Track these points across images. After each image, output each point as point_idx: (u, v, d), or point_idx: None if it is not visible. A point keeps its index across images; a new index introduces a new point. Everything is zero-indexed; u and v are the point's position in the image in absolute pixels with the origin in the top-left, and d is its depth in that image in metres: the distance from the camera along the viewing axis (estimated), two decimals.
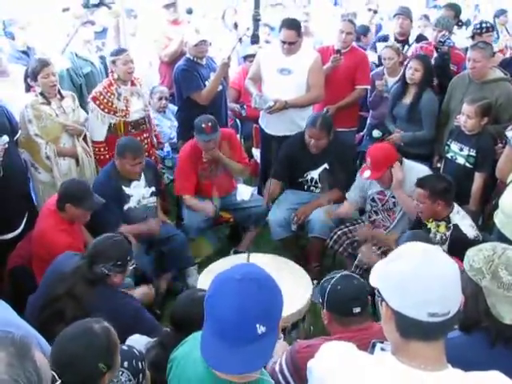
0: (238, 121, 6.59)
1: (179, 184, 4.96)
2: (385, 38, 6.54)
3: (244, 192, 5.13)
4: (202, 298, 2.40)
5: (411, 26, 6.33)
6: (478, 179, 4.46)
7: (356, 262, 4.33)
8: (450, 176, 4.16)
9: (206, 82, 5.30)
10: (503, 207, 3.63)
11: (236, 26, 7.84)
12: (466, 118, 4.45)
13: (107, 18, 6.20)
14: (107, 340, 2.24)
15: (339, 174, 4.75)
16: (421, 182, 3.86)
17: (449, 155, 4.68)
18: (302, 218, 4.78)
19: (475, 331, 2.06)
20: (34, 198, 4.72)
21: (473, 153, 4.47)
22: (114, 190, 4.36)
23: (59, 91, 4.61)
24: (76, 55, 5.66)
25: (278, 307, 1.63)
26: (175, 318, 2.76)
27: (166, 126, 6.14)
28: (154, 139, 5.33)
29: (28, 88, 4.67)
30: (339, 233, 4.56)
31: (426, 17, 7.12)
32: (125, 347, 2.47)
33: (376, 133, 5.65)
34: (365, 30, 7.27)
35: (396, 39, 6.19)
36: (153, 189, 4.61)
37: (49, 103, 4.53)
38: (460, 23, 6.68)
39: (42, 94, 4.50)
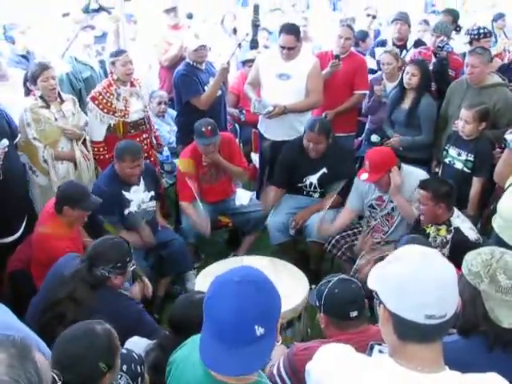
0: (236, 125, 6.60)
1: (180, 191, 4.98)
2: (383, 43, 6.56)
3: (243, 196, 5.14)
4: (200, 300, 2.41)
5: (409, 31, 6.35)
6: (476, 184, 4.47)
7: (354, 266, 4.34)
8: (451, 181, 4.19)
9: (206, 87, 5.31)
10: (501, 212, 3.64)
11: (235, 31, 7.85)
12: (463, 123, 4.47)
13: (107, 23, 6.22)
14: (108, 341, 2.25)
15: (338, 177, 4.77)
16: (424, 184, 3.88)
17: (447, 160, 4.69)
18: (300, 222, 4.79)
19: (473, 335, 2.07)
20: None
21: (471, 158, 4.49)
22: (114, 194, 4.36)
23: (59, 95, 4.63)
24: (76, 59, 5.67)
25: (277, 309, 1.64)
26: (173, 320, 2.76)
27: (165, 130, 6.15)
28: (154, 141, 5.34)
29: (27, 92, 4.68)
30: (337, 237, 4.57)
31: (426, 22, 7.14)
32: (124, 351, 2.47)
33: (374, 138, 5.66)
34: (363, 36, 7.28)
35: (394, 44, 6.21)
36: (152, 193, 4.62)
37: (48, 107, 4.54)
38: (458, 28, 6.70)
39: (41, 97, 4.51)
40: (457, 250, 3.47)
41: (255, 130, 5.85)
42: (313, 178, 4.89)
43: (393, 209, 4.41)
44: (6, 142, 3.97)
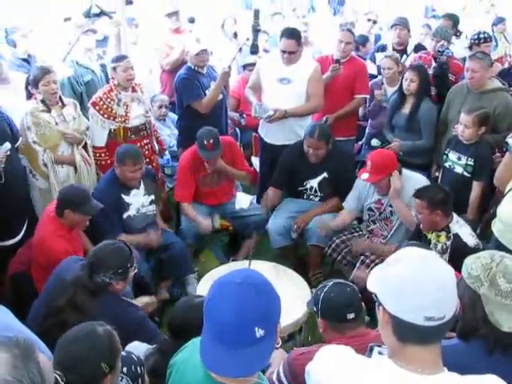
0: (237, 129, 6.61)
1: (178, 191, 4.99)
2: (383, 48, 6.58)
3: (243, 200, 5.14)
4: (200, 304, 2.42)
5: (409, 36, 6.36)
6: (476, 188, 4.48)
7: (354, 271, 4.35)
8: (448, 185, 4.20)
9: (207, 91, 5.32)
10: (501, 216, 3.64)
11: (236, 35, 7.87)
12: (463, 127, 4.48)
13: (108, 27, 6.24)
14: (110, 342, 2.26)
15: (339, 182, 4.78)
16: (418, 193, 3.87)
17: (447, 164, 4.70)
18: (301, 225, 4.80)
19: (473, 339, 2.07)
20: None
21: (471, 162, 4.50)
22: (114, 198, 4.37)
23: (60, 99, 4.63)
24: (77, 63, 5.68)
25: (277, 312, 1.65)
26: (173, 324, 2.77)
27: (166, 134, 6.17)
28: (156, 146, 5.34)
29: (29, 95, 4.69)
30: (338, 241, 4.58)
31: (428, 26, 7.17)
32: (123, 353, 2.47)
33: (375, 142, 5.68)
34: (364, 40, 7.30)
35: (394, 49, 6.22)
36: (152, 197, 4.63)
37: (49, 111, 4.54)
38: (458, 33, 6.72)
39: (42, 101, 4.52)
40: (456, 256, 3.47)
41: (256, 134, 5.87)
42: (313, 182, 4.90)
43: (392, 213, 4.42)
44: (8, 145, 3.98)
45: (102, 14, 5.91)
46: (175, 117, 6.10)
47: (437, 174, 4.99)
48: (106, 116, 4.80)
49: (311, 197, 4.97)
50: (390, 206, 4.39)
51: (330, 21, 9.51)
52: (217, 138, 4.67)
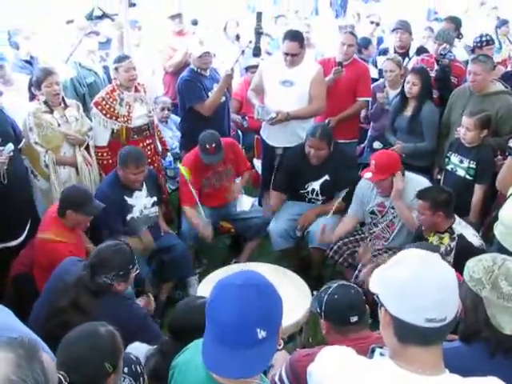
0: (239, 131, 6.62)
1: (181, 195, 4.99)
2: (385, 52, 6.59)
3: (245, 202, 5.15)
4: (201, 306, 2.43)
5: (411, 39, 6.36)
6: (478, 191, 4.48)
7: (356, 272, 4.35)
8: (450, 188, 4.19)
9: (210, 93, 5.33)
10: (503, 219, 3.65)
11: (238, 37, 7.88)
12: (465, 130, 4.48)
13: (111, 30, 6.26)
14: (112, 342, 2.27)
15: (340, 185, 4.78)
16: (421, 194, 3.88)
17: (449, 167, 4.70)
18: (305, 224, 4.80)
19: (475, 341, 2.07)
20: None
21: (473, 165, 4.50)
22: (117, 200, 4.38)
23: (63, 100, 4.64)
24: (80, 65, 5.70)
25: (278, 313, 1.65)
26: (174, 326, 2.76)
27: (168, 136, 6.17)
28: (159, 146, 5.35)
29: (32, 97, 4.70)
30: (339, 243, 4.57)
31: (430, 28, 7.18)
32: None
33: (377, 144, 5.68)
34: (366, 43, 7.30)
35: (396, 52, 6.22)
36: (154, 199, 4.63)
37: (51, 112, 4.55)
38: (460, 36, 6.72)
39: (45, 102, 4.53)
40: (462, 256, 3.46)
41: (258, 136, 5.87)
42: (315, 185, 4.90)
43: (394, 215, 4.42)
44: (11, 146, 3.99)
45: (104, 16, 5.92)
46: (177, 119, 6.11)
47: (439, 176, 4.99)
48: (108, 116, 4.81)
49: (313, 200, 4.97)
50: (392, 208, 4.39)
51: (333, 23, 9.50)
52: (219, 142, 4.68)
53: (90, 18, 5.86)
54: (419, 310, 1.50)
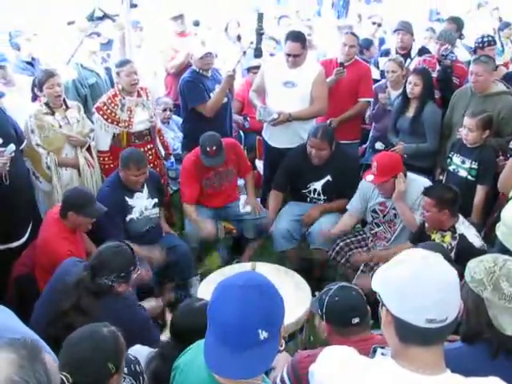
0: (241, 132, 6.62)
1: (182, 193, 5.00)
2: (386, 53, 6.58)
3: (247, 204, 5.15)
4: (201, 307, 2.43)
5: (412, 40, 6.36)
6: (480, 192, 4.48)
7: (358, 273, 4.35)
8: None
9: (211, 94, 5.33)
10: (505, 220, 3.64)
11: (239, 38, 7.88)
12: (467, 131, 4.48)
13: (112, 30, 6.26)
14: (115, 342, 2.28)
15: (343, 185, 4.77)
16: (428, 191, 3.89)
17: (451, 168, 4.70)
18: (309, 222, 4.80)
19: (477, 342, 2.07)
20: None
21: (475, 165, 4.50)
22: (118, 200, 4.39)
23: (65, 101, 4.65)
24: (81, 66, 5.70)
25: (280, 314, 1.65)
26: (174, 328, 2.76)
27: (170, 137, 6.17)
28: (162, 150, 5.35)
29: (34, 97, 4.71)
30: (341, 244, 4.57)
31: (432, 29, 7.17)
32: None
33: (379, 145, 5.68)
34: (368, 44, 7.30)
35: (397, 53, 6.21)
36: (155, 200, 4.63)
37: (53, 113, 4.56)
38: (462, 37, 6.71)
39: (47, 104, 4.54)
40: (462, 256, 3.47)
41: (259, 137, 5.87)
42: (317, 185, 4.90)
43: (395, 216, 4.42)
44: (13, 146, 3.99)
45: (105, 17, 5.92)
46: (179, 120, 6.11)
47: (441, 177, 4.99)
48: (109, 121, 4.81)
49: (314, 200, 4.96)
50: (394, 208, 4.39)
51: (334, 24, 9.49)
52: (219, 145, 4.68)
53: (90, 18, 5.86)
54: (419, 311, 1.50)
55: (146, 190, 4.55)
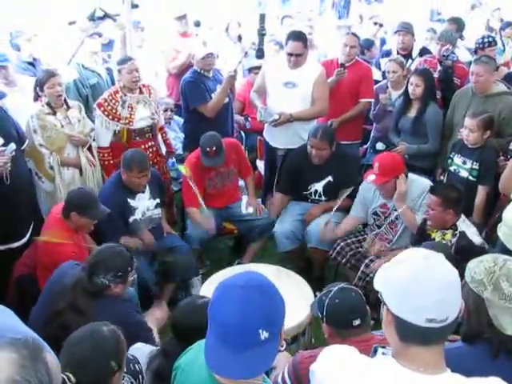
0: (242, 133, 6.62)
1: (184, 196, 4.99)
2: (387, 54, 6.58)
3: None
4: (202, 305, 2.43)
5: (413, 40, 6.36)
6: (481, 192, 4.48)
7: (359, 274, 4.35)
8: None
9: (213, 94, 5.33)
10: (507, 220, 3.64)
11: (240, 38, 7.88)
12: (468, 131, 4.49)
13: (114, 31, 6.26)
14: (116, 341, 2.29)
15: (344, 185, 4.77)
16: (434, 189, 3.91)
17: (452, 168, 4.70)
18: (311, 219, 4.82)
19: (477, 342, 2.07)
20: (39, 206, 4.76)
21: (476, 166, 4.50)
22: (120, 202, 4.39)
23: (65, 101, 4.65)
24: (83, 66, 5.71)
25: (280, 314, 1.65)
26: (176, 326, 2.76)
27: (171, 137, 6.16)
28: (163, 148, 5.35)
29: (36, 97, 4.72)
30: (342, 244, 4.57)
31: (433, 30, 7.17)
32: None
33: (380, 145, 5.67)
34: (369, 44, 7.30)
35: (399, 54, 6.21)
36: (157, 200, 4.63)
37: (54, 113, 4.56)
38: (463, 37, 6.71)
39: (48, 104, 4.54)
40: (461, 253, 3.48)
41: (260, 138, 5.87)
42: (318, 186, 4.90)
43: (397, 217, 4.42)
44: (13, 145, 4.00)
45: (105, 16, 5.92)
46: (181, 120, 6.11)
47: (442, 177, 4.98)
48: (110, 117, 4.82)
49: (315, 201, 4.96)
50: (395, 210, 4.38)
51: (335, 24, 9.49)
52: (219, 145, 4.68)
53: (91, 18, 5.85)
54: (420, 310, 1.50)
55: (147, 190, 4.55)
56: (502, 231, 3.70)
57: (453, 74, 5.56)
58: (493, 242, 3.91)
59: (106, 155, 4.90)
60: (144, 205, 4.54)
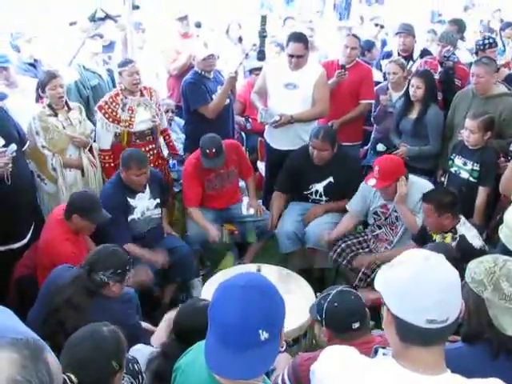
0: (243, 134, 6.62)
1: (184, 196, 5.00)
2: (388, 55, 6.59)
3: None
4: (204, 307, 2.43)
5: (414, 42, 6.36)
6: (482, 193, 4.48)
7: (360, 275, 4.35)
8: (453, 190, 4.18)
9: (213, 96, 5.33)
10: (508, 222, 3.64)
11: (241, 39, 7.89)
12: (468, 132, 4.48)
13: (115, 32, 6.26)
14: (116, 341, 2.30)
15: (344, 187, 4.77)
16: (426, 197, 3.88)
17: (453, 169, 4.70)
18: (311, 219, 4.83)
19: (478, 343, 2.07)
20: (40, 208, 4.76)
21: (476, 167, 4.50)
22: (120, 201, 4.39)
23: (66, 103, 4.66)
24: (84, 67, 5.71)
25: (281, 315, 1.65)
26: (177, 327, 2.77)
27: (172, 138, 6.17)
28: (165, 151, 5.36)
29: (38, 98, 4.72)
30: (343, 246, 4.57)
31: (434, 31, 7.18)
32: None
33: (380, 147, 5.67)
34: (369, 45, 7.30)
35: (399, 55, 6.21)
36: (157, 200, 4.63)
37: (56, 115, 4.57)
38: (464, 39, 6.72)
39: (49, 105, 4.55)
40: (462, 257, 3.47)
41: (261, 139, 5.87)
42: (319, 186, 4.90)
43: (397, 218, 4.42)
44: (14, 146, 3.99)
45: (106, 17, 5.92)
46: (181, 121, 6.11)
47: (442, 178, 4.98)
48: (110, 120, 4.81)
49: (316, 201, 4.97)
50: (396, 211, 4.38)
51: (336, 25, 9.51)
52: (219, 147, 4.68)
53: (92, 19, 5.86)
54: (420, 311, 1.50)
55: (148, 190, 4.55)
56: (503, 233, 3.70)
57: (454, 75, 5.56)
58: (494, 244, 3.91)
59: (106, 158, 4.90)
60: (144, 204, 4.54)
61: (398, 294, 1.54)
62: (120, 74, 4.89)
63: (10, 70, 4.94)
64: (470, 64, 5.31)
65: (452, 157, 4.72)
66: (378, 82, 6.06)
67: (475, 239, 3.74)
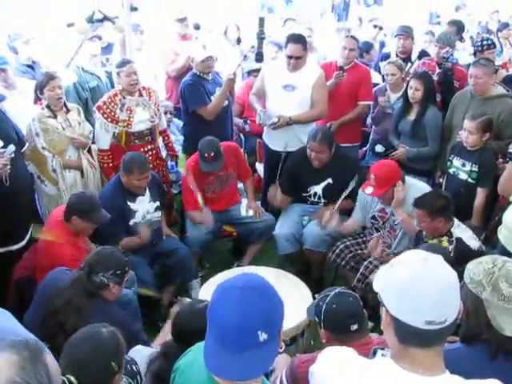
0: (241, 135, 6.62)
1: (184, 200, 5.00)
2: (387, 57, 6.59)
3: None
4: (203, 309, 2.43)
5: (413, 43, 6.37)
6: (481, 195, 4.48)
7: (358, 276, 4.35)
8: (452, 191, 4.18)
9: (212, 97, 5.33)
10: (507, 223, 3.63)
11: (239, 41, 7.89)
12: (467, 133, 4.49)
13: (113, 33, 6.27)
14: (115, 342, 2.31)
15: (344, 188, 4.76)
16: (417, 203, 3.89)
17: (451, 170, 4.70)
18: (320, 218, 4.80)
19: (476, 343, 2.07)
20: (39, 209, 4.75)
21: (475, 168, 4.50)
22: (120, 205, 4.39)
23: (65, 104, 4.66)
24: (82, 69, 5.71)
25: (279, 315, 1.65)
26: (177, 329, 2.77)
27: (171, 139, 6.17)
28: (164, 151, 5.35)
29: (36, 100, 4.72)
30: (341, 246, 4.57)
31: (432, 33, 7.19)
32: None
33: (379, 148, 5.67)
34: (368, 47, 7.31)
35: (398, 57, 6.21)
36: (157, 203, 4.64)
37: (55, 116, 4.57)
38: (462, 40, 6.72)
39: (48, 106, 4.55)
40: (460, 259, 3.47)
41: (260, 140, 5.87)
42: (317, 188, 4.90)
43: (395, 222, 4.41)
44: (12, 147, 3.99)
45: (104, 19, 5.92)
46: (180, 123, 6.11)
47: (441, 180, 4.98)
48: (109, 120, 4.82)
49: (315, 203, 4.96)
50: (393, 215, 4.38)
51: (335, 27, 9.52)
52: (217, 150, 4.68)
53: (90, 20, 5.86)
54: (418, 312, 1.50)
55: (148, 193, 4.55)
56: (502, 234, 3.70)
57: (452, 76, 5.57)
58: (493, 245, 3.91)
59: (105, 158, 4.90)
60: (144, 208, 4.54)
61: (396, 295, 1.55)
62: (118, 74, 4.90)
63: (8, 71, 4.94)
64: (469, 65, 5.32)
65: (450, 158, 4.72)
66: (377, 84, 6.07)
67: (472, 240, 3.75)
